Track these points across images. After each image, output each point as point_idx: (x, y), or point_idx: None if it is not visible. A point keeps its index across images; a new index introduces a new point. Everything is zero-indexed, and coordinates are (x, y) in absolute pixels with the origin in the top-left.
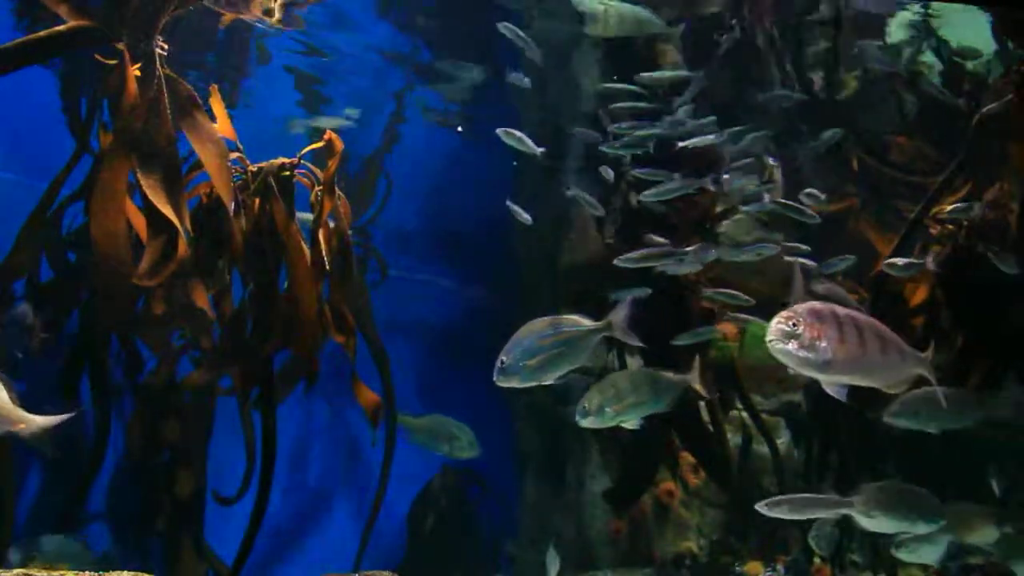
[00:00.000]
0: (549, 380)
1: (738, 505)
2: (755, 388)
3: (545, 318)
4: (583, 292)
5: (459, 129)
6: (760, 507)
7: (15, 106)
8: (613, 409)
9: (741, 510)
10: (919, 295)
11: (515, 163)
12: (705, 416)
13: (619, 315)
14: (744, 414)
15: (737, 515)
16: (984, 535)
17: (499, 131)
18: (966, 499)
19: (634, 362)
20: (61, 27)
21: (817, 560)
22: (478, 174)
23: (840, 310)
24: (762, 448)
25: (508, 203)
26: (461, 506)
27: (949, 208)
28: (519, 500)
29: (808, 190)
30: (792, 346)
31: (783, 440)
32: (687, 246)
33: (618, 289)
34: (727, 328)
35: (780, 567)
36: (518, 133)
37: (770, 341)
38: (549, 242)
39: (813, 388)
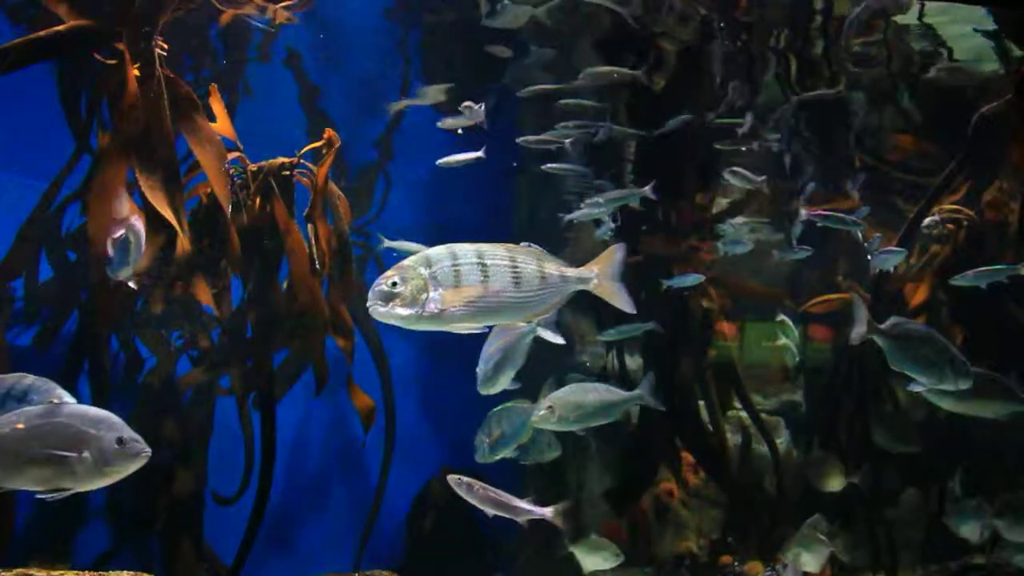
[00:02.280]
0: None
1: (738, 505)
2: (755, 388)
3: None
4: (583, 292)
5: (459, 131)
6: None
7: (15, 106)
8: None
9: (741, 510)
10: (919, 295)
11: (515, 163)
12: (705, 416)
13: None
14: (744, 414)
15: (737, 515)
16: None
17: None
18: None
19: (634, 362)
20: (61, 27)
21: None
22: (478, 174)
23: (463, 250)
24: (762, 448)
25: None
26: (461, 506)
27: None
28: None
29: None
30: (393, 306)
31: (783, 440)
32: (687, 246)
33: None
34: (727, 328)
35: (780, 567)
36: (453, 157)
37: (370, 306)
38: (549, 242)
39: (813, 388)
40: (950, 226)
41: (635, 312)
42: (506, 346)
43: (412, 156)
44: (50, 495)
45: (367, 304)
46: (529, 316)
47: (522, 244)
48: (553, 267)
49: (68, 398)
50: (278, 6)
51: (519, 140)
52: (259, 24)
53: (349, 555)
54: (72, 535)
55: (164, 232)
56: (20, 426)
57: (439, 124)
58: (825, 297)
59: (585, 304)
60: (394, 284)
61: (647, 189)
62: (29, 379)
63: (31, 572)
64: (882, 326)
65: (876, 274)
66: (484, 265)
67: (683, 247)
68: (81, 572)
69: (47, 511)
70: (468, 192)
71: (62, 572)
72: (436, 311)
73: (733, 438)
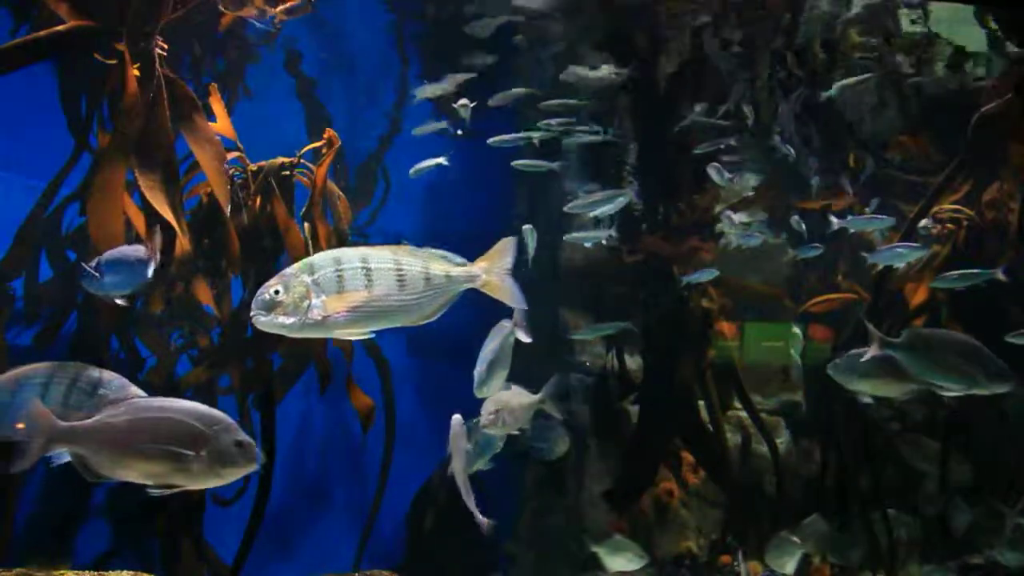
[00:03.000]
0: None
1: (738, 505)
2: (755, 388)
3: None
4: (583, 292)
5: (459, 132)
6: None
7: (15, 106)
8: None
9: (741, 510)
10: (919, 295)
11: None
12: (705, 416)
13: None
14: (744, 414)
15: (737, 515)
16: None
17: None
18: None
19: (634, 362)
20: (61, 27)
21: (816, 560)
22: (478, 174)
23: (347, 255)
24: (762, 448)
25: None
26: (461, 506)
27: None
28: (519, 500)
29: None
30: (276, 315)
31: (783, 440)
32: (686, 246)
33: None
34: (727, 328)
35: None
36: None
37: (252, 316)
38: (549, 241)
39: (813, 388)
40: (950, 226)
41: (525, 308)
42: (494, 348)
43: (412, 156)
44: (159, 491)
45: (250, 315)
46: (418, 318)
47: (403, 243)
48: (439, 267)
49: (142, 395)
50: (278, 9)
51: (489, 141)
52: (260, 25)
53: (349, 555)
54: (72, 535)
55: (164, 232)
56: (130, 418)
57: (414, 131)
58: (825, 297)
59: (585, 304)
60: (276, 292)
61: (628, 192)
62: (95, 371)
63: (31, 572)
64: (897, 340)
65: (876, 274)
66: (368, 269)
67: (683, 247)
68: (81, 572)
69: (47, 511)
70: (468, 192)
71: (62, 572)
72: (319, 318)
73: (733, 438)
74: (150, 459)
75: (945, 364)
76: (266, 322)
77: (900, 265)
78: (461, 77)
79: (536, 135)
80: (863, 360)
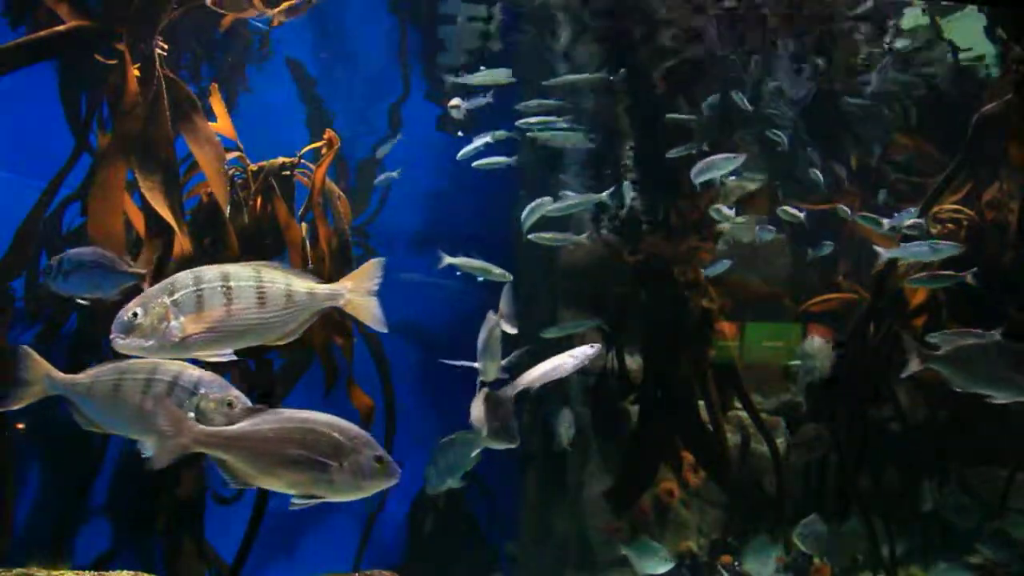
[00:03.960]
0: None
1: (738, 505)
2: (755, 388)
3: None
4: (583, 292)
5: (459, 133)
6: None
7: (14, 105)
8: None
9: (741, 510)
10: (920, 295)
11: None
12: (705, 416)
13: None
14: (744, 414)
15: (737, 515)
16: None
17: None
18: (967, 494)
19: (634, 362)
20: (61, 27)
21: (817, 560)
22: (478, 174)
23: (208, 274)
24: (762, 448)
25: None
26: (461, 506)
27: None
28: (519, 500)
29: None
30: (134, 338)
31: (783, 440)
32: (686, 246)
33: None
34: (727, 328)
35: (780, 567)
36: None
37: (112, 339)
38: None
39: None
40: (950, 226)
41: (386, 330)
42: (483, 338)
43: (412, 156)
44: (302, 501)
45: (110, 337)
46: (280, 336)
47: (272, 262)
48: (302, 285)
49: (244, 399)
50: (278, 10)
51: (459, 156)
52: (260, 25)
53: (349, 555)
54: (72, 535)
55: (164, 232)
56: (277, 427)
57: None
58: (825, 297)
59: (585, 304)
60: (135, 315)
61: (605, 195)
62: (194, 370)
63: (31, 572)
64: (938, 352)
65: (877, 273)
66: (228, 288)
67: (683, 247)
68: (81, 572)
69: (47, 511)
70: (468, 192)
71: (62, 572)
72: (177, 339)
73: (733, 438)
74: (296, 468)
75: (991, 374)
76: (124, 345)
77: (925, 261)
78: (461, 103)
79: (501, 133)
80: (903, 376)
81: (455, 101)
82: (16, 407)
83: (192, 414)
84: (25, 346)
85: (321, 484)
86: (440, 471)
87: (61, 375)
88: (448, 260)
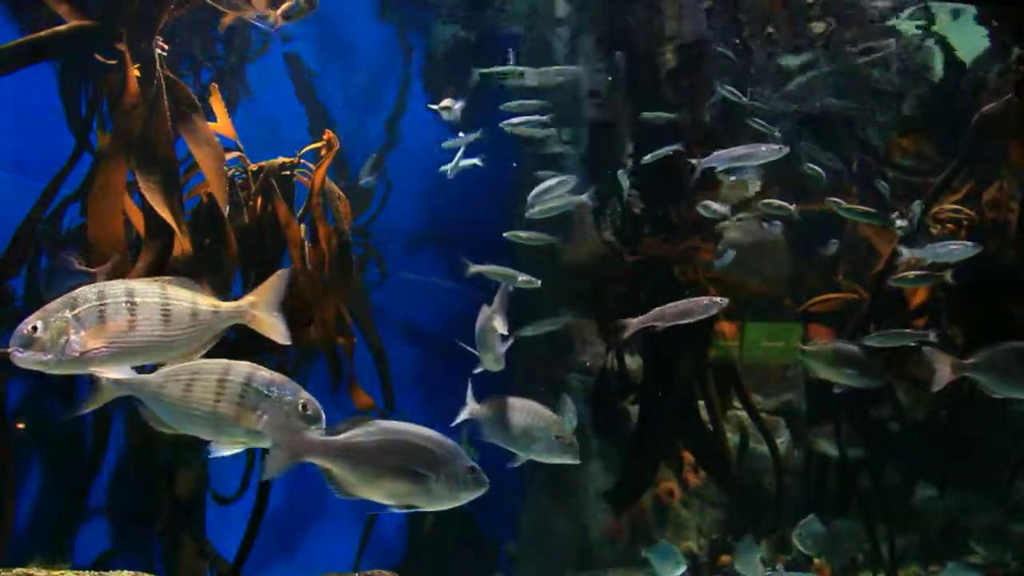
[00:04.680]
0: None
1: (738, 505)
2: (755, 388)
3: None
4: (583, 292)
5: (460, 134)
6: None
7: (14, 105)
8: None
9: (741, 510)
10: (920, 295)
11: (515, 164)
12: (705, 416)
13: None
14: (744, 414)
15: (737, 515)
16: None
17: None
18: (966, 494)
19: (634, 362)
20: (61, 27)
21: (817, 559)
22: (478, 174)
23: (113, 289)
24: (762, 448)
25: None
26: (461, 506)
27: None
28: (519, 500)
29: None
30: (32, 352)
31: (783, 440)
32: (686, 246)
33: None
34: (727, 328)
35: (780, 567)
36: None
37: (10, 352)
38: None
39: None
40: (951, 226)
41: (289, 343)
42: (478, 330)
43: (412, 156)
44: (399, 510)
45: (8, 350)
46: (183, 353)
47: (175, 277)
48: (207, 303)
49: (316, 403)
50: (278, 11)
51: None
52: (260, 25)
53: (349, 555)
54: (72, 535)
55: (164, 233)
56: (379, 440)
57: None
58: (825, 297)
59: (585, 304)
60: (34, 329)
61: (585, 197)
62: (267, 372)
63: (31, 572)
64: (972, 360)
65: (877, 273)
66: (132, 303)
67: (683, 247)
68: (81, 572)
69: (47, 511)
70: (468, 193)
71: (62, 572)
72: (76, 354)
73: (733, 438)
74: (396, 479)
75: None
76: (23, 359)
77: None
78: (453, 103)
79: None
80: (934, 390)
81: (447, 102)
82: (87, 410)
83: (265, 416)
84: None
85: (419, 494)
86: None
87: (134, 376)
88: (474, 268)
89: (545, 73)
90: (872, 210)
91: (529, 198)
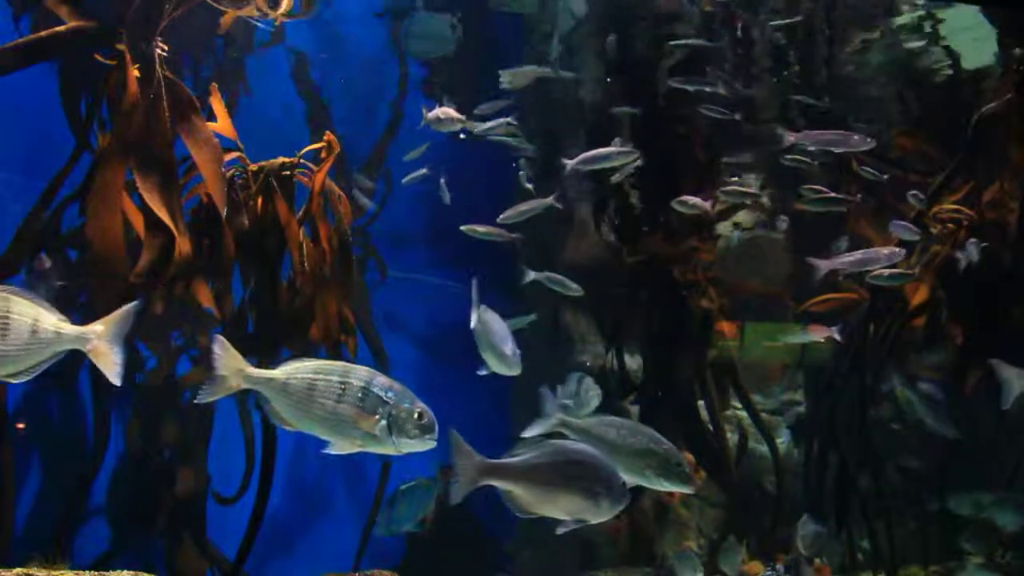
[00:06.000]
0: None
1: (738, 505)
2: (755, 387)
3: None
4: (584, 292)
5: (461, 136)
6: None
7: (14, 105)
8: None
9: (741, 510)
10: (919, 295)
11: (515, 164)
12: (705, 416)
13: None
14: (744, 413)
15: (737, 515)
16: None
17: None
18: (966, 495)
19: (634, 362)
20: (61, 27)
21: (817, 560)
22: (478, 174)
23: None
24: (762, 448)
25: (442, 180)
26: (461, 506)
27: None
28: None
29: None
30: None
31: (783, 440)
32: (686, 246)
33: None
34: (727, 328)
35: (780, 567)
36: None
37: None
38: (549, 242)
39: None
40: (951, 226)
41: (119, 383)
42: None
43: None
44: (567, 528)
45: None
46: (16, 370)
47: (21, 290)
48: (50, 321)
49: (430, 412)
50: (279, 12)
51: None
52: (260, 25)
53: (349, 555)
54: (72, 535)
55: (163, 233)
56: (551, 461)
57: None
58: (825, 297)
59: (585, 304)
60: None
61: (551, 199)
62: (383, 377)
63: (31, 572)
64: None
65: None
66: None
67: (683, 247)
68: (81, 572)
69: (47, 511)
70: (468, 193)
71: (62, 572)
72: None
73: (732, 438)
74: (571, 497)
75: None
76: None
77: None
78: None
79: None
80: (1004, 408)
81: (436, 113)
82: (211, 400)
83: (384, 423)
84: (221, 336)
85: (590, 511)
86: (396, 517)
87: (257, 370)
88: (532, 276)
89: (516, 74)
90: (838, 195)
91: (577, 164)
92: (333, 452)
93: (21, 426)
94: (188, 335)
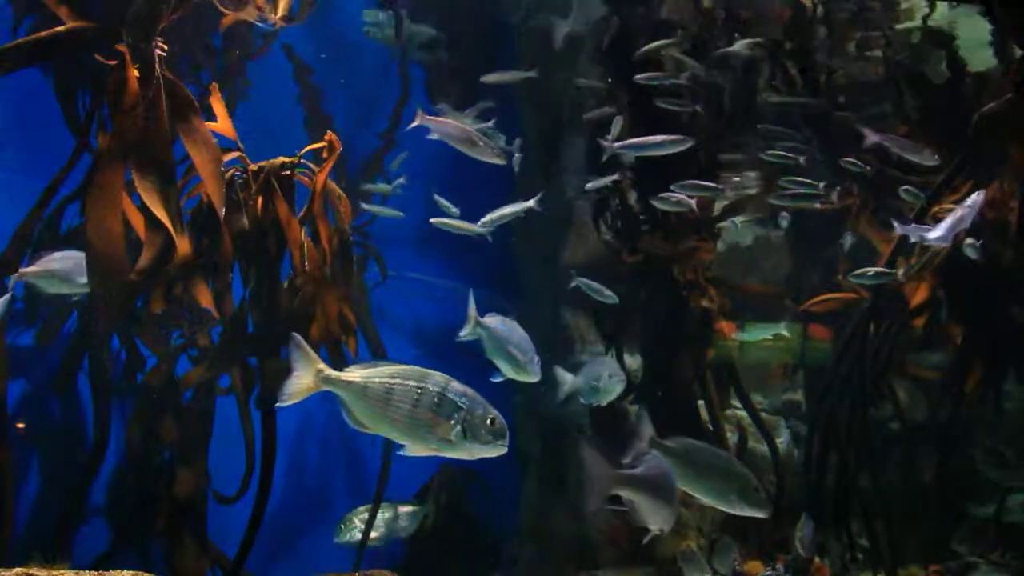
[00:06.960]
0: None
1: None
2: (755, 387)
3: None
4: (582, 291)
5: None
6: None
7: (15, 105)
8: None
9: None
10: (919, 295)
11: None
12: (705, 415)
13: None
14: (743, 413)
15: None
16: None
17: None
18: (965, 497)
19: (634, 361)
20: (61, 28)
21: (817, 560)
22: (478, 174)
23: None
24: (762, 448)
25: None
26: (461, 506)
27: None
28: (519, 500)
29: None
30: None
31: (783, 440)
32: (685, 246)
33: None
34: (727, 328)
35: (780, 567)
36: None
37: None
38: (549, 242)
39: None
40: None
41: None
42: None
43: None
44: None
45: None
46: None
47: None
48: None
49: (501, 418)
50: (278, 15)
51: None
52: (260, 25)
53: (349, 555)
54: (72, 535)
55: (162, 233)
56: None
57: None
58: (825, 297)
59: (585, 304)
60: None
61: (532, 202)
62: (456, 383)
63: (31, 572)
64: None
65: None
66: None
67: (683, 247)
68: (81, 572)
69: (47, 511)
70: (468, 193)
71: (62, 572)
72: None
73: (732, 438)
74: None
75: None
76: None
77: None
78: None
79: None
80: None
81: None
82: (290, 403)
83: (459, 428)
84: (298, 336)
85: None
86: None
87: (335, 372)
88: (576, 281)
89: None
90: (812, 182)
91: (622, 148)
92: (408, 454)
93: (21, 426)
94: (188, 335)
